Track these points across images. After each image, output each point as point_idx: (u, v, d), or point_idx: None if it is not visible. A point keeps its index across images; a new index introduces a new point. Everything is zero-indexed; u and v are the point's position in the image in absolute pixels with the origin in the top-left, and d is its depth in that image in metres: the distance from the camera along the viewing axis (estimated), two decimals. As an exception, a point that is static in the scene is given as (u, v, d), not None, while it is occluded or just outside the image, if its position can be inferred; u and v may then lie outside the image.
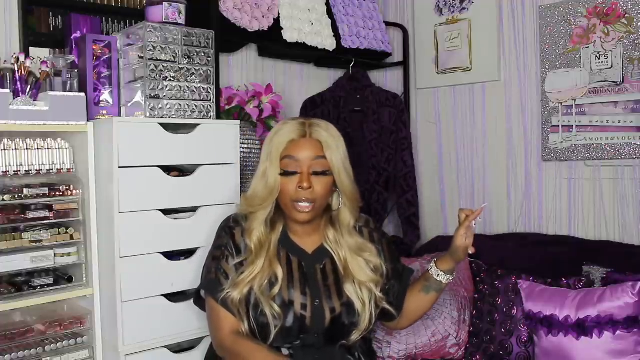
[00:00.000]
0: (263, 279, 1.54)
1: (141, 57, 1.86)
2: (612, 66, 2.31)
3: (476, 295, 2.26)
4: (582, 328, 1.89)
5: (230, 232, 1.62)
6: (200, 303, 1.70)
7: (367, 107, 2.72)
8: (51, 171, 1.78)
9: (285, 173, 1.55)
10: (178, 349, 1.91)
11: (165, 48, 1.86)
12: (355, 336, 1.58)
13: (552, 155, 2.48)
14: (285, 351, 1.54)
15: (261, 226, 1.59)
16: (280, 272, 1.55)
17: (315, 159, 1.55)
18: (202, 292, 1.66)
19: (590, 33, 2.36)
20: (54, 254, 1.77)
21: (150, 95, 1.84)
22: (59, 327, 1.78)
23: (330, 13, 2.66)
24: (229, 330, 1.54)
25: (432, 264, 1.72)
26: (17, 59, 1.74)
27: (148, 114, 1.83)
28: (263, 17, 2.39)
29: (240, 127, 2.09)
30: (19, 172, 1.72)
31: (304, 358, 1.54)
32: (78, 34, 1.93)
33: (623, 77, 2.29)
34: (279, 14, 2.46)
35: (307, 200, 1.54)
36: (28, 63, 1.75)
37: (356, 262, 1.60)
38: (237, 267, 1.57)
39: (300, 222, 1.59)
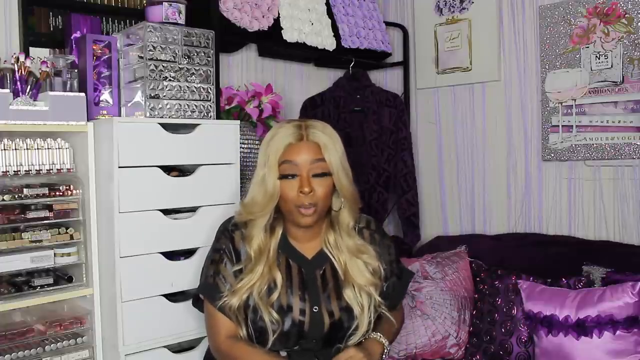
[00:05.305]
0: (262, 285, 1.52)
1: (141, 57, 1.86)
2: (612, 66, 2.31)
3: (476, 295, 2.27)
4: (582, 328, 1.89)
5: (230, 235, 1.60)
6: (198, 305, 1.69)
7: (367, 107, 2.72)
8: (51, 171, 1.78)
9: (284, 177, 1.52)
10: (178, 349, 1.91)
11: (165, 48, 1.87)
12: (353, 341, 1.57)
13: (552, 155, 2.48)
14: (283, 353, 1.54)
15: (261, 233, 1.56)
16: (279, 278, 1.54)
17: (315, 162, 1.52)
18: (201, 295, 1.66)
19: (590, 33, 2.36)
20: (54, 254, 1.77)
21: (150, 95, 1.84)
22: (59, 327, 1.78)
23: (330, 13, 2.66)
24: (225, 335, 1.54)
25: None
26: (17, 59, 1.74)
27: (148, 114, 1.83)
28: (263, 17, 2.39)
29: (240, 127, 2.09)
30: (19, 172, 1.72)
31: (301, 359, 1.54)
32: (78, 34, 1.93)
33: (623, 77, 2.29)
34: (279, 14, 2.45)
35: (310, 204, 1.52)
36: (28, 63, 1.75)
37: (355, 265, 1.58)
38: (236, 274, 1.55)
39: (304, 226, 1.56)
